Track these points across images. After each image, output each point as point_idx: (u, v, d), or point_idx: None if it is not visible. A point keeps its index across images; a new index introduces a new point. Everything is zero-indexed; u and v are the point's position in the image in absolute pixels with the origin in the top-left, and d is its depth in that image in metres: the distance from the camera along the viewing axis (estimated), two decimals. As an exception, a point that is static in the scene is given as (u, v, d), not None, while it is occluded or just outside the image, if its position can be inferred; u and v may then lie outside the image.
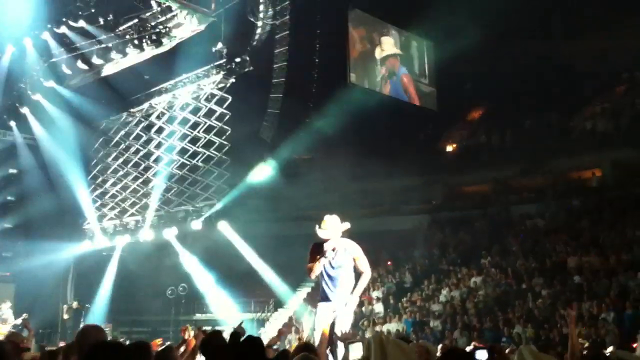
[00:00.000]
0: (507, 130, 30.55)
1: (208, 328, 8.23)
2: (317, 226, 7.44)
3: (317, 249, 7.35)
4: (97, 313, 21.01)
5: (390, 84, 25.83)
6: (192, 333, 7.29)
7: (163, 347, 5.97)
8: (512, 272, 21.32)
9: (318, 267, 7.31)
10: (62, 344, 14.27)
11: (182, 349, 7.02)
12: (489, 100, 31.60)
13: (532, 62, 27.88)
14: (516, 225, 25.63)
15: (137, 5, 18.72)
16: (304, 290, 26.09)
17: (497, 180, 29.12)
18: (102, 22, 19.30)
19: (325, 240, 7.40)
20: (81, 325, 19.76)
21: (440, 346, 9.20)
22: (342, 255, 7.36)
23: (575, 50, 29.76)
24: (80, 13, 18.76)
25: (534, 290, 19.76)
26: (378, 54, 25.72)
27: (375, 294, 23.91)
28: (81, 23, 18.85)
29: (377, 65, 25.57)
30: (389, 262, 26.16)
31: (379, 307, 22.91)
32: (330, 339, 7.12)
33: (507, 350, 8.28)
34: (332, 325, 7.16)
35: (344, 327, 7.11)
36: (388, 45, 26.07)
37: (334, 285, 7.33)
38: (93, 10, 19.80)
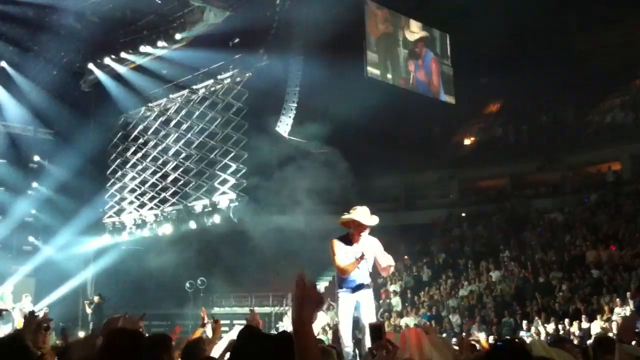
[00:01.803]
0: (524, 124, 30.41)
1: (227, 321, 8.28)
2: (345, 213, 7.47)
3: (343, 245, 7.38)
4: (117, 307, 21.13)
5: (415, 69, 25.66)
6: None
7: (194, 338, 6.00)
8: (530, 266, 21.26)
9: (354, 267, 7.31)
10: (82, 334, 14.43)
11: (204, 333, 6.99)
12: (506, 94, 31.42)
13: (549, 55, 27.68)
14: (534, 219, 25.54)
15: (155, 1, 18.79)
16: (322, 284, 26.13)
17: (514, 174, 29.02)
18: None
19: (347, 234, 7.48)
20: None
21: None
22: (369, 251, 7.39)
23: (592, 43, 29.57)
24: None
25: (553, 284, 19.69)
26: (405, 36, 25.59)
27: (392, 287, 23.93)
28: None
29: (399, 53, 25.43)
30: (405, 257, 26.15)
31: (396, 301, 22.93)
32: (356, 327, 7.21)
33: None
34: (360, 315, 7.29)
35: (371, 316, 7.20)
36: (416, 28, 26.00)
37: (358, 278, 7.39)
38: (111, 6, 20.00)
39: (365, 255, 7.25)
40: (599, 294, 18.15)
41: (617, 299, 17.18)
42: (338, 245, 7.38)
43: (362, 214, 7.37)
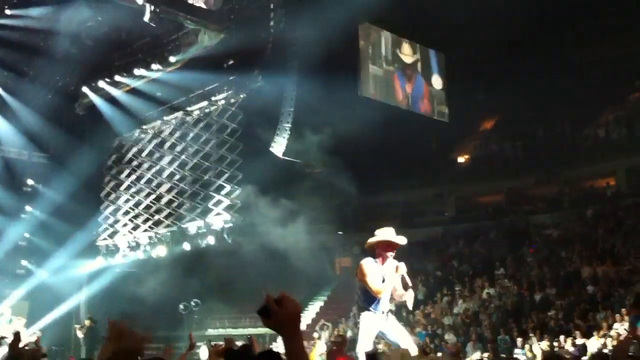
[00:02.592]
0: (520, 139, 30.44)
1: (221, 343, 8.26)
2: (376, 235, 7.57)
3: (375, 266, 7.46)
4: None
5: (405, 92, 25.81)
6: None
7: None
8: (526, 282, 21.19)
9: (389, 288, 7.47)
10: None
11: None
12: (501, 110, 31.49)
13: (544, 70, 27.76)
14: (531, 235, 25.49)
15: (150, 24, 18.90)
16: (317, 304, 26.06)
17: (510, 190, 29.00)
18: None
19: (376, 255, 7.56)
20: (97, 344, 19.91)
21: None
22: (394, 273, 7.53)
23: (587, 58, 29.66)
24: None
25: (549, 301, 19.62)
26: (399, 55, 25.75)
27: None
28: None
29: (393, 72, 25.55)
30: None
31: (392, 320, 22.82)
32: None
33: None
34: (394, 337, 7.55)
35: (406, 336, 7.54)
36: (410, 48, 26.17)
37: (385, 299, 7.54)
38: (105, 30, 20.14)
39: (399, 275, 7.47)
40: (594, 310, 18.07)
41: (617, 315, 17.06)
42: (371, 266, 7.44)
43: (391, 234, 7.48)
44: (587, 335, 16.85)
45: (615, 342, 15.43)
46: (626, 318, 16.67)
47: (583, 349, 16.04)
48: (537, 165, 28.00)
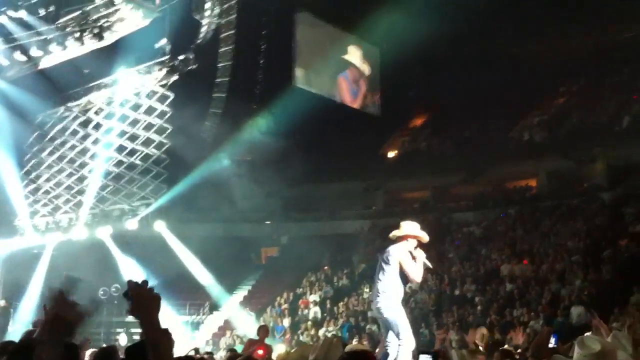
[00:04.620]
0: (448, 138, 31.02)
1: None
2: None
3: (410, 254, 7.69)
4: (26, 312, 20.32)
5: (339, 85, 25.89)
6: None
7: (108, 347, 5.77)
8: (447, 278, 21.61)
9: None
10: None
11: None
12: (431, 108, 32.02)
13: (474, 71, 28.34)
14: (454, 232, 26.01)
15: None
16: (240, 293, 25.89)
17: (436, 187, 29.54)
18: (43, 13, 18.78)
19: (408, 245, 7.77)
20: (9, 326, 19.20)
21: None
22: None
23: (514, 61, 30.44)
24: (20, 3, 18.22)
25: (467, 297, 20.07)
26: (334, 48, 25.76)
27: (312, 297, 23.90)
28: (21, 13, 18.30)
29: (328, 65, 25.54)
30: (325, 267, 26.21)
31: (315, 311, 22.90)
32: None
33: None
34: None
35: None
36: (346, 41, 26.26)
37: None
38: (34, 1, 19.29)
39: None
40: (511, 307, 18.59)
41: (532, 313, 17.59)
42: (408, 255, 7.63)
43: (417, 229, 7.80)
44: (505, 331, 17.28)
45: (530, 339, 15.93)
46: (541, 315, 17.24)
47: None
48: (462, 164, 28.54)
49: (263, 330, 10.32)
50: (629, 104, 26.77)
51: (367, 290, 22.98)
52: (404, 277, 7.65)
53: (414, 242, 7.73)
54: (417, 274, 7.67)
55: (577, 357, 3.08)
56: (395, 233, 7.83)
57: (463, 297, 20.20)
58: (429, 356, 4.52)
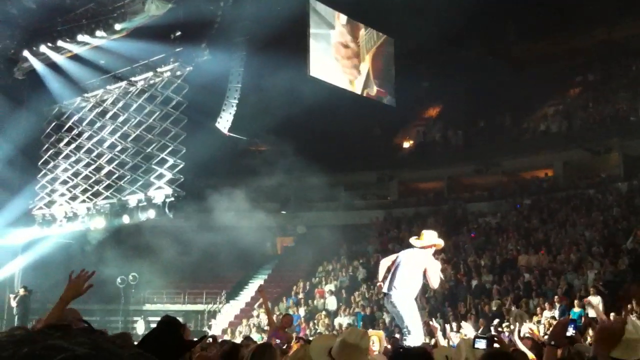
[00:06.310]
0: (462, 129, 30.94)
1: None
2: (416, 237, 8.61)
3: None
4: (44, 300, 20.54)
5: (354, 76, 25.81)
6: None
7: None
8: (463, 268, 21.61)
9: None
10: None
11: None
12: (446, 99, 31.92)
13: (489, 62, 28.24)
14: (469, 222, 25.99)
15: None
16: (257, 282, 26.02)
17: (451, 177, 29.51)
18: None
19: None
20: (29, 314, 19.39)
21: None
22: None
23: (529, 52, 30.30)
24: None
25: (484, 287, 20.07)
26: (349, 38, 25.69)
27: (328, 287, 23.98)
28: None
29: (343, 54, 25.46)
30: (341, 257, 26.32)
31: (331, 300, 22.99)
32: None
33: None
34: None
35: None
36: (360, 31, 26.19)
37: None
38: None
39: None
40: (528, 297, 18.58)
41: (546, 303, 17.58)
42: (435, 264, 8.50)
43: (435, 237, 8.51)
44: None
45: (546, 329, 15.95)
46: (557, 306, 17.23)
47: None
48: (477, 154, 28.48)
49: (285, 319, 10.43)
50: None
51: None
52: (421, 280, 8.33)
53: (433, 250, 8.45)
54: (437, 281, 8.45)
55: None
56: (419, 241, 8.47)
57: (479, 288, 20.20)
58: (484, 341, 4.64)
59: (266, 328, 19.29)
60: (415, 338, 7.99)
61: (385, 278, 8.55)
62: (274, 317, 11.48)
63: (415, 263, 8.28)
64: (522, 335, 8.32)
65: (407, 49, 27.36)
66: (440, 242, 8.56)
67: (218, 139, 22.58)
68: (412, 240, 8.61)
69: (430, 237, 8.47)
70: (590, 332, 12.17)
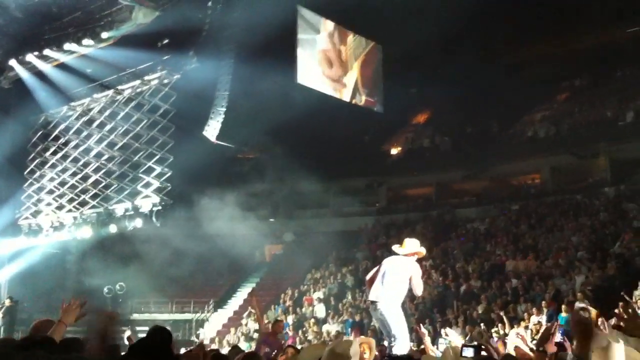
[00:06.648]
0: (451, 135, 31.02)
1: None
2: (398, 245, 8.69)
3: None
4: (31, 310, 20.43)
5: (342, 82, 25.84)
6: None
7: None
8: (452, 274, 21.61)
9: None
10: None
11: None
12: (434, 105, 32.01)
13: (476, 68, 28.32)
14: (458, 228, 26.03)
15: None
16: (245, 291, 25.94)
17: (440, 183, 29.57)
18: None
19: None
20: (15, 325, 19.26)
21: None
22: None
23: (517, 58, 30.44)
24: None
25: (473, 292, 20.06)
26: (338, 44, 25.72)
27: (316, 295, 23.93)
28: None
29: (331, 61, 25.49)
30: (329, 264, 26.28)
31: (320, 308, 22.93)
32: None
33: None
34: None
35: None
36: (349, 38, 26.25)
37: None
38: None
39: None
40: (515, 303, 18.59)
41: (534, 308, 17.59)
42: (420, 272, 8.53)
43: (418, 245, 8.59)
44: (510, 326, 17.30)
45: (533, 334, 15.96)
46: (545, 310, 17.24)
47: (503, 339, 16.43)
48: (466, 160, 28.56)
49: (277, 325, 10.52)
50: (633, 100, 26.73)
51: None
52: (407, 286, 8.38)
53: (416, 257, 8.54)
54: (421, 288, 8.62)
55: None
56: (401, 249, 8.55)
57: (468, 293, 20.19)
58: (472, 349, 4.66)
59: (255, 336, 19.27)
60: (401, 345, 8.02)
61: (370, 286, 8.58)
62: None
63: (400, 270, 8.36)
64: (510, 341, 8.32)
65: (395, 55, 27.42)
66: (423, 250, 8.66)
67: (206, 146, 22.51)
68: (395, 247, 8.67)
69: (413, 245, 8.56)
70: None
